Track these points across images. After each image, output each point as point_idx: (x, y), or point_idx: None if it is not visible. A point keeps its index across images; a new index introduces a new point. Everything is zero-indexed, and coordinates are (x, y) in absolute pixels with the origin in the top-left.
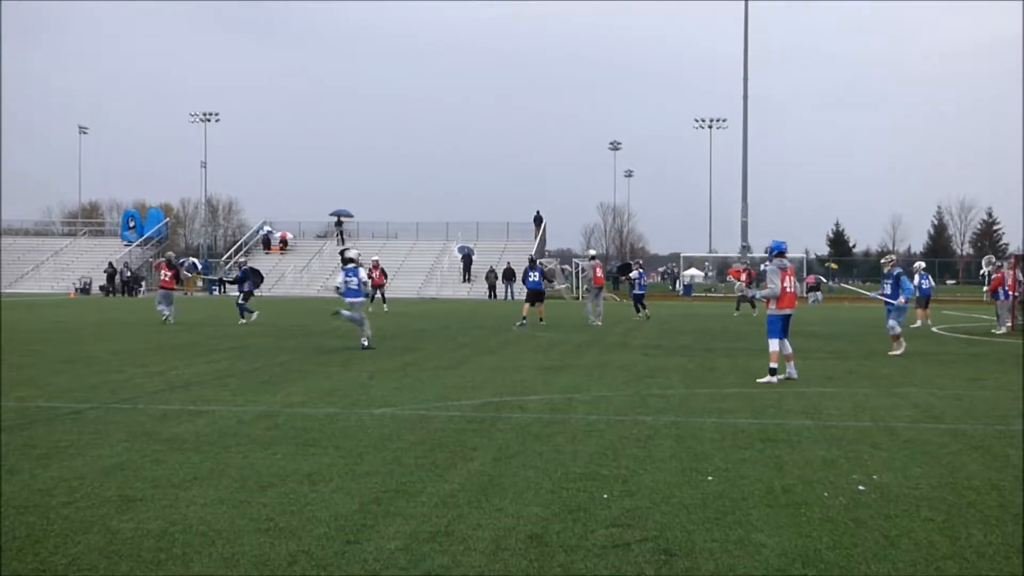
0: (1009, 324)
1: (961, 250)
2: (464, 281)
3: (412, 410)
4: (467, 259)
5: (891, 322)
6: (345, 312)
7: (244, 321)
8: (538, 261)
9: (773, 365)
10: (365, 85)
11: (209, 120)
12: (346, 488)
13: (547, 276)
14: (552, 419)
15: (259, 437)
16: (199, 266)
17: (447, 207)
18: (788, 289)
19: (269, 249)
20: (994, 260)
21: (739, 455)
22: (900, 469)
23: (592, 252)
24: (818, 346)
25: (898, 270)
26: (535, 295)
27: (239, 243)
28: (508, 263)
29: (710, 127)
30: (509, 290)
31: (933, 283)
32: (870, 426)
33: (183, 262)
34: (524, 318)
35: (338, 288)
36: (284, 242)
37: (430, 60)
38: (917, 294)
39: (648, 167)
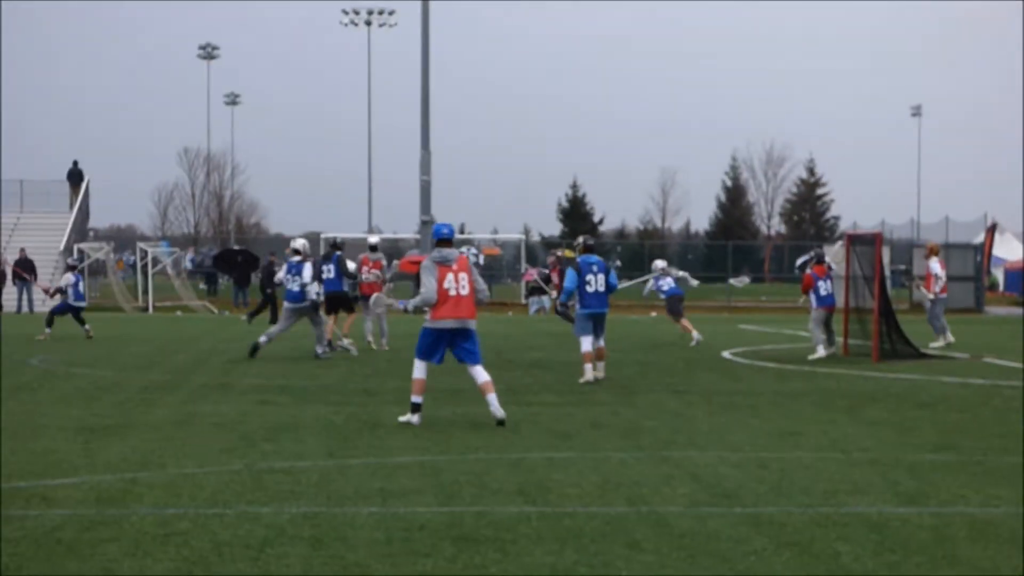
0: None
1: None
2: None
3: None
4: None
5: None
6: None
7: None
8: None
9: (415, 399)
10: None
11: None
12: None
13: (347, 272)
14: (99, 516)
15: None
16: None
17: None
18: (452, 292)
19: None
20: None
21: (415, 567)
22: None
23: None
24: (542, 381)
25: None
26: (335, 302)
27: None
28: (22, 250)
29: None
30: (26, 294)
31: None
32: (626, 512)
33: None
34: (329, 342)
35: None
36: None
37: None
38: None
39: None
